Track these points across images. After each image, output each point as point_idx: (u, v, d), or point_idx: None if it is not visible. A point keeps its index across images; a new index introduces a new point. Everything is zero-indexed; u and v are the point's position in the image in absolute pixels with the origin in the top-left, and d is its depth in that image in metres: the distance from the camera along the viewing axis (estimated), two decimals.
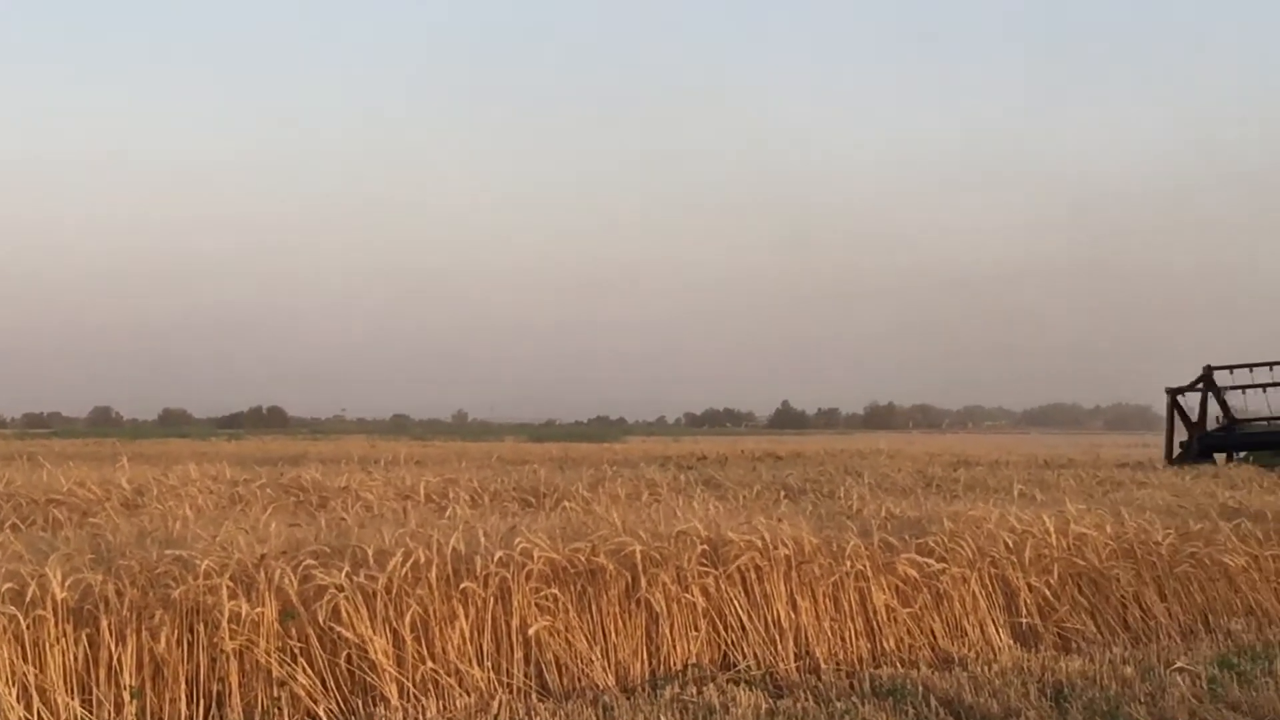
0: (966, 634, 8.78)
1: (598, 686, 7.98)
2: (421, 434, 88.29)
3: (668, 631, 8.41)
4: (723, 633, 8.56)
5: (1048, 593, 8.94)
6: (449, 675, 7.70)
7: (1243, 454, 19.54)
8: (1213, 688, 7.37)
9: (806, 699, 7.69)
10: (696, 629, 8.45)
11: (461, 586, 7.95)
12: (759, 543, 8.69)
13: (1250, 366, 20.66)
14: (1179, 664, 7.82)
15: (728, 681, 8.07)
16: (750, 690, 7.90)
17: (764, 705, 7.55)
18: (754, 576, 8.66)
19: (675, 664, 8.32)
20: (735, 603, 8.57)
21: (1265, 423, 19.31)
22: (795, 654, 8.53)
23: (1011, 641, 8.71)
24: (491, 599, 8.01)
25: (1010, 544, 9.00)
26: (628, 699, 7.71)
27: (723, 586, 8.56)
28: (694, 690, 7.82)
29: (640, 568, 8.39)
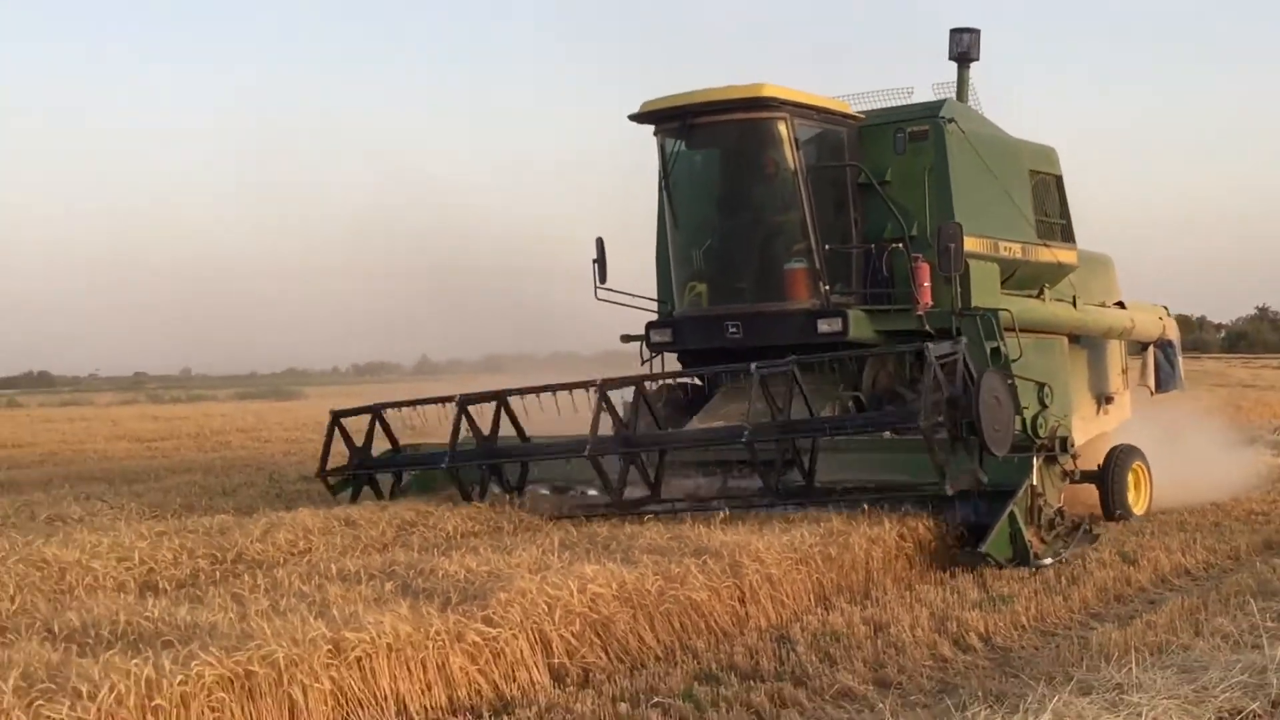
0: (517, 679, 10.73)
1: None
2: (157, 393, 78.50)
3: None
4: None
5: (572, 638, 11.08)
6: None
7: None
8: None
9: None
10: None
11: None
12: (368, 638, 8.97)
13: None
14: (656, 699, 8.91)
15: None
16: None
17: None
18: (370, 666, 9.10)
19: None
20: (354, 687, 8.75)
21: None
22: None
23: (549, 680, 10.77)
24: None
25: (546, 606, 11.08)
26: None
27: (344, 674, 8.74)
28: None
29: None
